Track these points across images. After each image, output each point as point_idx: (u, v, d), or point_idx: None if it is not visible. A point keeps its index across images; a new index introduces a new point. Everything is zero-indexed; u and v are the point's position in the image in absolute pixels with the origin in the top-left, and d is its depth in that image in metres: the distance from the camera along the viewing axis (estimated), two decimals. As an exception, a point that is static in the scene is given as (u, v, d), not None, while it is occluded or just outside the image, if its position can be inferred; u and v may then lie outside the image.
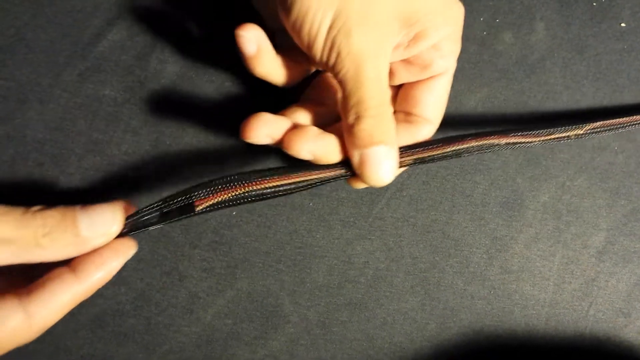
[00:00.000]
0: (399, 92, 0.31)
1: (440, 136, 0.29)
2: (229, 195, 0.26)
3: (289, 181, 0.27)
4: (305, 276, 0.34)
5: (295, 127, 0.27)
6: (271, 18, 0.30)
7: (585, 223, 0.35)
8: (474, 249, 0.35)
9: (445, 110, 0.34)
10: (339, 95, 0.31)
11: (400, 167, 0.28)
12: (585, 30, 0.35)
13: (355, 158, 0.26)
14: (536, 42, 0.35)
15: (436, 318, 0.35)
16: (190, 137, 0.33)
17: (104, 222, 0.26)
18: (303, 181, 0.28)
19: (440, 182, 0.34)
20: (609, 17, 0.35)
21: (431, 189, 0.34)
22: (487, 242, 0.35)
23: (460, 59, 0.34)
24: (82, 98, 0.32)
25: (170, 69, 0.33)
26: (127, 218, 0.26)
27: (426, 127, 0.30)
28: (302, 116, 0.30)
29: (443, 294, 0.35)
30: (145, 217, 0.26)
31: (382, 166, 0.26)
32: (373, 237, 0.34)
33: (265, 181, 0.27)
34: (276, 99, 0.33)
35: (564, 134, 0.30)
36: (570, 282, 0.35)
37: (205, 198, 0.26)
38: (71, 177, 0.32)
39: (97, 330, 0.33)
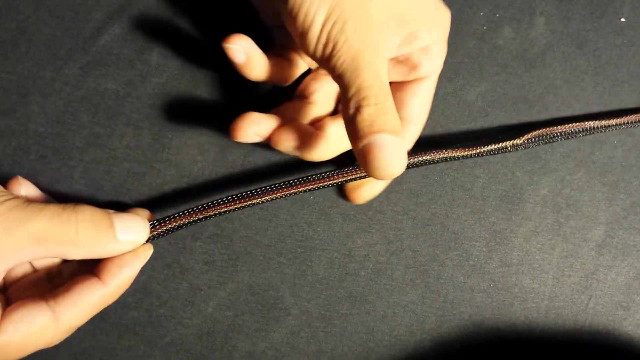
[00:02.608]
0: None
1: (434, 133, 0.32)
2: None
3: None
4: (306, 269, 0.34)
5: (282, 125, 0.28)
6: (269, 15, 0.31)
7: (584, 217, 0.35)
8: (474, 243, 0.35)
9: (446, 104, 0.34)
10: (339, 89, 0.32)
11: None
12: (585, 24, 0.35)
13: (358, 150, 0.24)
14: (536, 37, 0.35)
15: (436, 311, 0.35)
16: (191, 131, 0.33)
17: (137, 229, 0.27)
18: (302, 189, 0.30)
19: (440, 175, 0.35)
20: (609, 11, 0.35)
21: (431, 182, 0.35)
22: (486, 235, 0.35)
23: (460, 54, 0.34)
24: (84, 91, 0.32)
25: (172, 63, 0.33)
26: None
27: (412, 128, 0.31)
28: (293, 113, 0.30)
29: (443, 287, 0.35)
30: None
31: (387, 154, 0.23)
32: (373, 231, 0.34)
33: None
34: (277, 93, 0.33)
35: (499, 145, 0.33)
36: (570, 276, 0.35)
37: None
38: (73, 170, 0.32)
39: (99, 323, 0.33)
